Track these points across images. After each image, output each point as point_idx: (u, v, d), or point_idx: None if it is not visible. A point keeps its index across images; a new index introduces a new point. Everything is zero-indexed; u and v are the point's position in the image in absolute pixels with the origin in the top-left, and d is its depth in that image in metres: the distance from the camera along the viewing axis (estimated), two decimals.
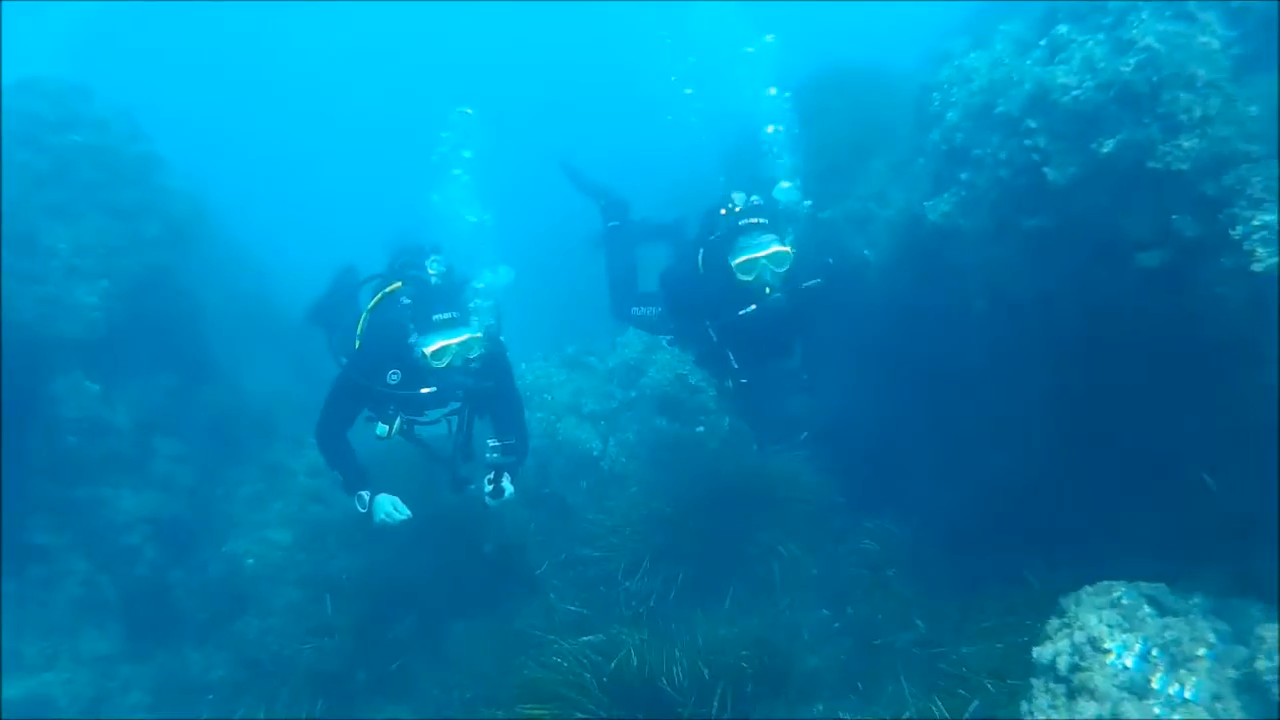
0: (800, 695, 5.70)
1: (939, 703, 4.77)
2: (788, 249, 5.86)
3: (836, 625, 6.28)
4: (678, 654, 5.53)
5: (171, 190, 8.65)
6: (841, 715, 5.43)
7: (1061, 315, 5.37)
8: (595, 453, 8.37)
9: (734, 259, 5.87)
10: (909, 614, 5.99)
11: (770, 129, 7.18)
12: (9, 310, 6.71)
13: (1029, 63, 5.59)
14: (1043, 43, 5.72)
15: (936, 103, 6.31)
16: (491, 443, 6.06)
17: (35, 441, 6.87)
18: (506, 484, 5.97)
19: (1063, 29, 5.63)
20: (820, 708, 5.57)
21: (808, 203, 6.67)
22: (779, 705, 5.59)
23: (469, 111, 6.95)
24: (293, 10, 23.73)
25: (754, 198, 6.35)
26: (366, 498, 5.82)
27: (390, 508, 5.78)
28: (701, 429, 8.48)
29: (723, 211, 6.37)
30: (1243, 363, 4.31)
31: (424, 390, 5.82)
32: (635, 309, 7.08)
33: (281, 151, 21.70)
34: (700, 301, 6.29)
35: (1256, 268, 4.18)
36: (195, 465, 7.85)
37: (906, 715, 4.97)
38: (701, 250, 6.49)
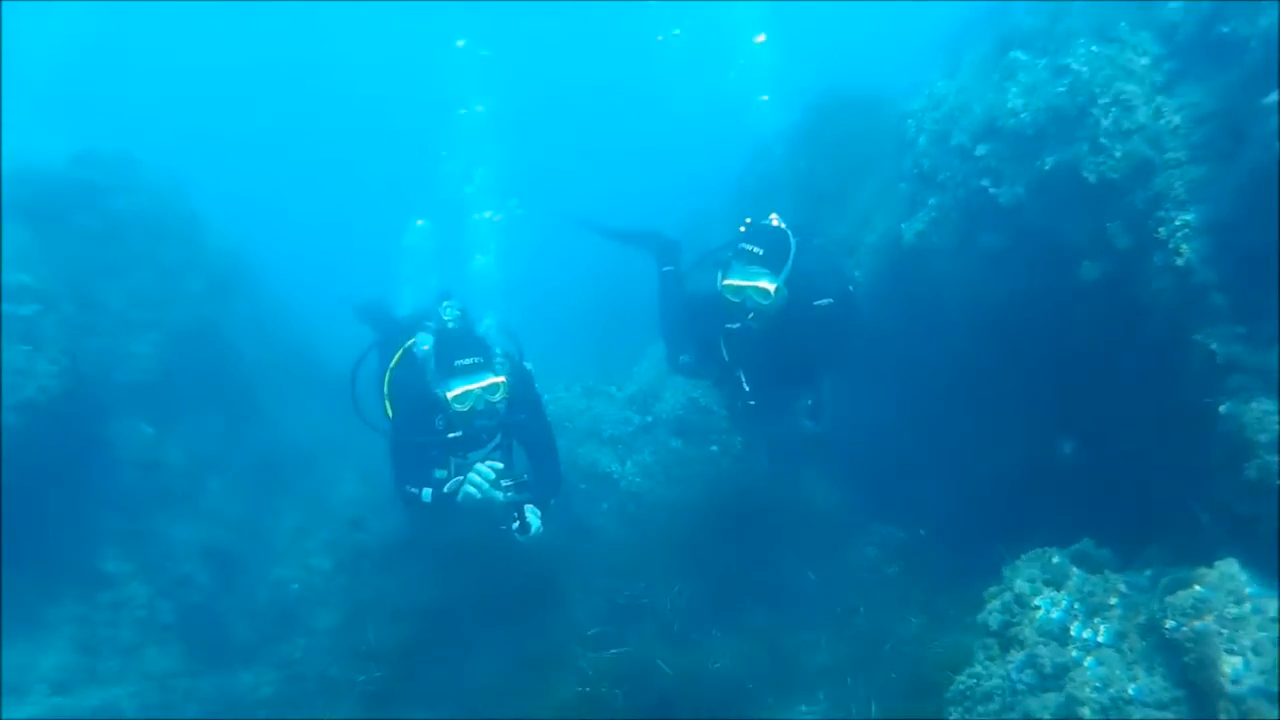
0: (804, 688, 6.08)
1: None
2: (771, 287, 5.95)
3: (841, 626, 6.63)
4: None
5: (212, 247, 9.38)
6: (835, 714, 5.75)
7: (1026, 321, 5.77)
8: (614, 474, 8.80)
9: (723, 280, 6.04)
10: (906, 611, 6.30)
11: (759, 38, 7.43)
12: (75, 360, 7.26)
13: (986, 88, 6.08)
14: (1002, 64, 6.20)
15: (911, 129, 6.78)
16: (505, 482, 5.86)
17: (100, 478, 7.46)
18: (533, 519, 5.93)
19: (1016, 54, 6.11)
20: (821, 694, 5.94)
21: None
22: (784, 701, 5.95)
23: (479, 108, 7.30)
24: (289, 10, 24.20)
25: (774, 218, 6.45)
26: (461, 487, 5.74)
27: (473, 483, 5.66)
28: (715, 448, 8.89)
29: (741, 229, 6.46)
30: (1175, 352, 4.69)
31: (450, 435, 5.96)
32: (682, 357, 6.99)
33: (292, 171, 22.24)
34: (701, 309, 6.46)
35: (1179, 262, 4.61)
36: (242, 499, 8.40)
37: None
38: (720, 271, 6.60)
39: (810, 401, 6.77)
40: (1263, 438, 4.01)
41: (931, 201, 6.24)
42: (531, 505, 6.00)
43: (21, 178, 8.08)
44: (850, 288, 6.68)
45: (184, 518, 7.83)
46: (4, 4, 17.20)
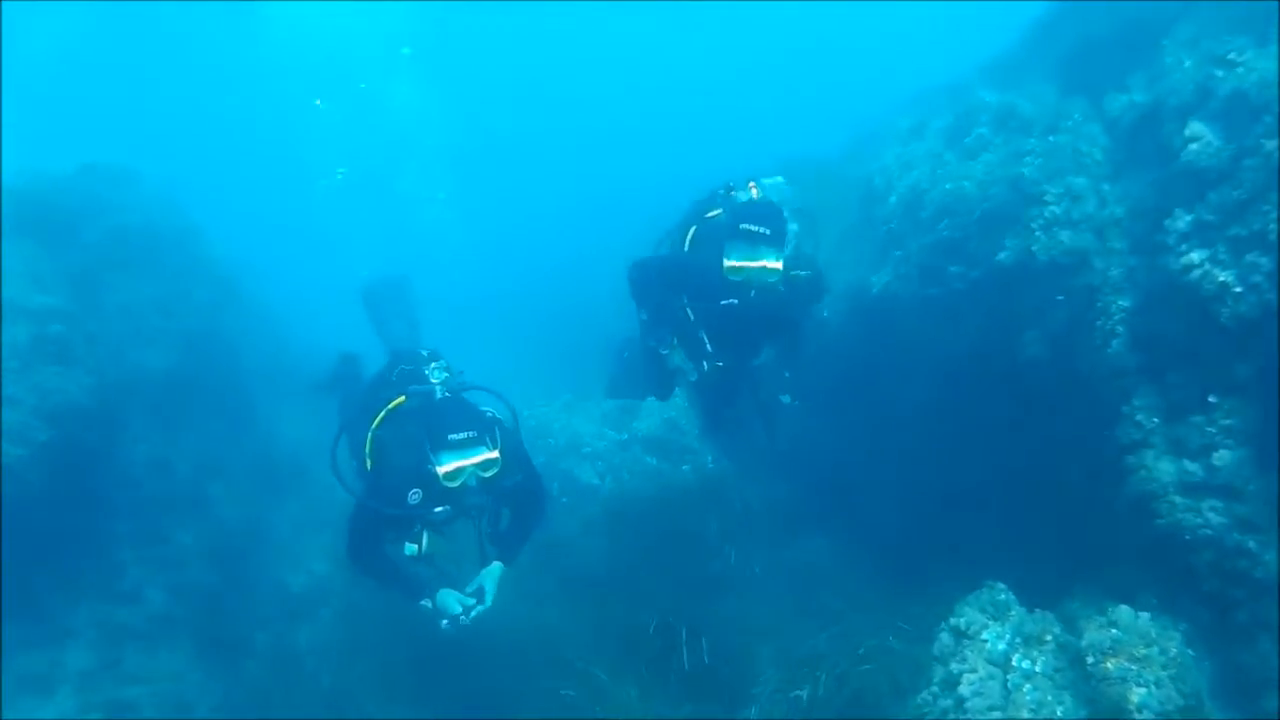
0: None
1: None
2: (778, 265, 5.93)
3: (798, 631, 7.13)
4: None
5: (211, 258, 9.82)
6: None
7: (980, 375, 6.39)
8: (595, 487, 9.42)
9: (728, 260, 5.96)
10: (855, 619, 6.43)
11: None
12: (89, 369, 7.56)
13: (952, 162, 6.71)
14: (966, 141, 6.83)
15: (880, 185, 7.41)
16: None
17: (116, 486, 7.83)
18: (489, 584, 5.80)
19: (982, 130, 6.74)
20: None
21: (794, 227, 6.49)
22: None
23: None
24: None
25: (769, 182, 6.56)
26: (430, 605, 5.69)
27: (457, 609, 5.60)
28: (687, 468, 9.54)
29: (728, 192, 6.55)
30: (1108, 421, 5.37)
31: (437, 510, 5.60)
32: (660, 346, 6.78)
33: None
34: (681, 277, 6.45)
35: (1114, 343, 5.31)
36: (244, 503, 8.80)
37: None
38: (694, 228, 6.68)
39: (787, 375, 6.80)
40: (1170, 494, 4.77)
41: (897, 254, 6.86)
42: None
43: (27, 194, 8.42)
44: (820, 267, 6.70)
45: (189, 521, 8.20)
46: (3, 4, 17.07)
